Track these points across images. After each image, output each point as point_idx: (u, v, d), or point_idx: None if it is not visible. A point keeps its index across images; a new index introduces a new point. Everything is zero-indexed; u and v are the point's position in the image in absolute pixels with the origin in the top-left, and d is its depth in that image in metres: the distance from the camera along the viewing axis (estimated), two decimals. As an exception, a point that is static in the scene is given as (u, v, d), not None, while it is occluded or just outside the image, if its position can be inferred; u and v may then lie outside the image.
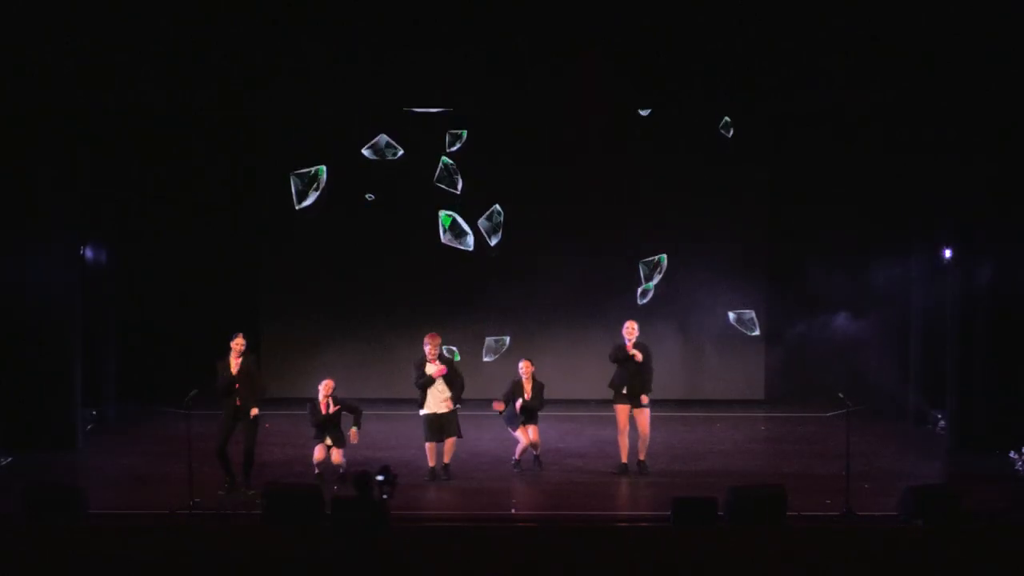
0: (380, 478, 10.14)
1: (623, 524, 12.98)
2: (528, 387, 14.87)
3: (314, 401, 14.54)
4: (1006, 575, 11.78)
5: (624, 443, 14.79)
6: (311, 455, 14.41)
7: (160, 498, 13.40)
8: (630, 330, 14.79)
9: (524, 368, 14.93)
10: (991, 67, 15.57)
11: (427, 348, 14.44)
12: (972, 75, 15.71)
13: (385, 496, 10.11)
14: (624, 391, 14.70)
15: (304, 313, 19.31)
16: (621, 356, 14.71)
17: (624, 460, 14.81)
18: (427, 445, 14.53)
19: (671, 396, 18.99)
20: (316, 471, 14.33)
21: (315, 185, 17.19)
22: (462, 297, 19.07)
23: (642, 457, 14.80)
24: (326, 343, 18.84)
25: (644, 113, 18.17)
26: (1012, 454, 15.14)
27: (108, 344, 18.10)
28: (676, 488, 13.64)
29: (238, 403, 13.91)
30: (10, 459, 15.23)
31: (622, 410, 14.73)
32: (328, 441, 14.39)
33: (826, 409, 17.86)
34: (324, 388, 14.55)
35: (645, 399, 14.68)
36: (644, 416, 14.69)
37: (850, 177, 18.52)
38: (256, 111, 18.91)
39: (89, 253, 17.66)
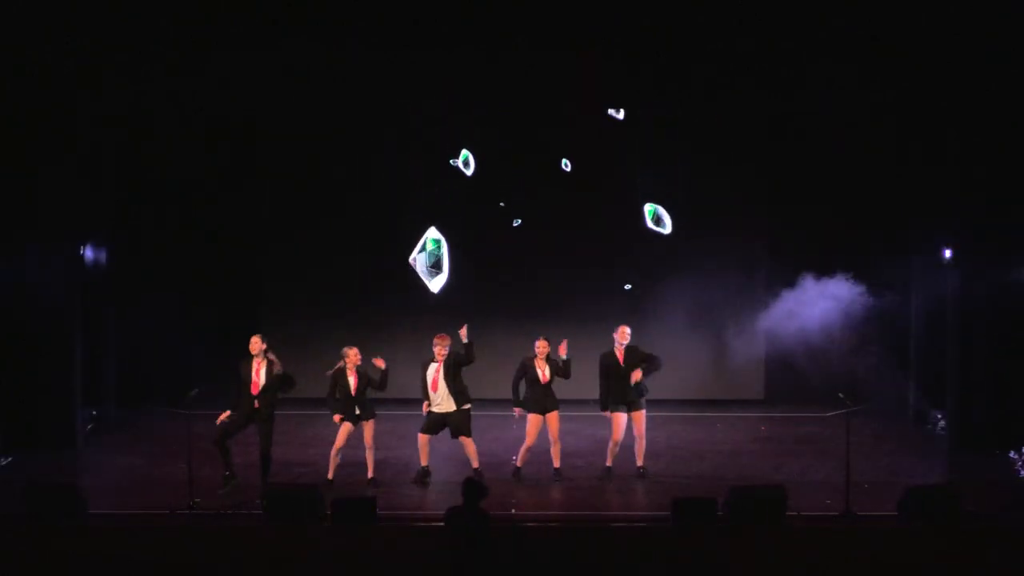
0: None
1: (623, 524, 12.98)
2: (543, 368, 14.53)
3: (339, 372, 14.24)
4: (1006, 575, 11.80)
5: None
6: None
7: (160, 498, 13.40)
8: (623, 335, 14.69)
9: (539, 347, 14.57)
10: (991, 68, 15.57)
11: (435, 349, 14.38)
12: (972, 75, 15.71)
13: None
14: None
15: (304, 314, 19.29)
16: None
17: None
18: (420, 437, 14.42)
19: (671, 396, 19.00)
20: (332, 474, 14.15)
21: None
22: (465, 297, 19.04)
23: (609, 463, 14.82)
24: (327, 343, 18.79)
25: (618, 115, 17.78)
26: (1012, 454, 15.15)
27: (108, 344, 18.10)
28: (676, 488, 13.64)
29: (256, 406, 13.98)
30: (10, 459, 15.23)
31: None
32: (357, 411, 14.20)
33: (826, 409, 17.88)
34: (354, 357, 14.28)
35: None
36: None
37: (850, 177, 18.51)
38: (256, 110, 18.95)
39: (89, 253, 17.66)
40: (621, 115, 16.50)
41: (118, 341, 18.43)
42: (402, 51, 18.28)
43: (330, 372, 14.38)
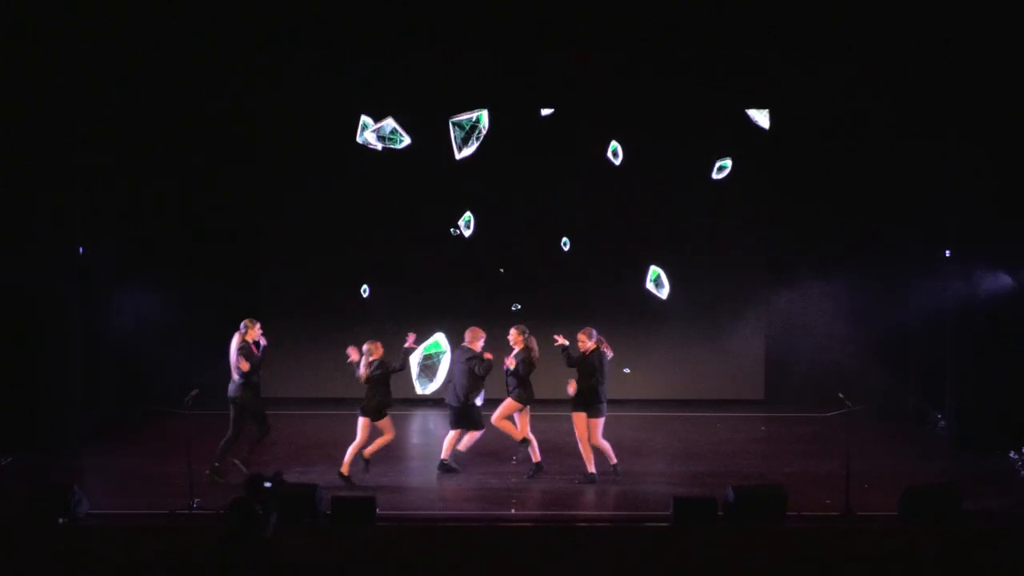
0: (268, 485, 9.87)
1: (623, 524, 12.98)
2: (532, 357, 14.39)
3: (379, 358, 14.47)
4: (1006, 575, 11.80)
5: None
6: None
7: (160, 498, 13.39)
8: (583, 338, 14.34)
9: (512, 338, 14.47)
10: (993, 66, 15.56)
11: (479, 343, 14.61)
12: (973, 74, 15.70)
13: (263, 510, 9.86)
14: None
15: (304, 313, 19.27)
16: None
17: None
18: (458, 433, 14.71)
19: (671, 396, 19.01)
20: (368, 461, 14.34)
21: (476, 133, 16.02)
22: (463, 297, 19.03)
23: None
24: (327, 343, 18.80)
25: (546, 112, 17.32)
26: (1012, 454, 15.15)
27: (108, 344, 18.08)
28: (676, 488, 13.64)
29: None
30: (10, 459, 15.23)
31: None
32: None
33: (826, 409, 17.87)
34: (377, 349, 14.48)
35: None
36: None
37: (850, 177, 18.50)
38: (255, 110, 18.94)
39: (88, 253, 17.64)
40: (618, 161, 16.47)
41: (118, 341, 18.43)
42: (401, 51, 18.29)
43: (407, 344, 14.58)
